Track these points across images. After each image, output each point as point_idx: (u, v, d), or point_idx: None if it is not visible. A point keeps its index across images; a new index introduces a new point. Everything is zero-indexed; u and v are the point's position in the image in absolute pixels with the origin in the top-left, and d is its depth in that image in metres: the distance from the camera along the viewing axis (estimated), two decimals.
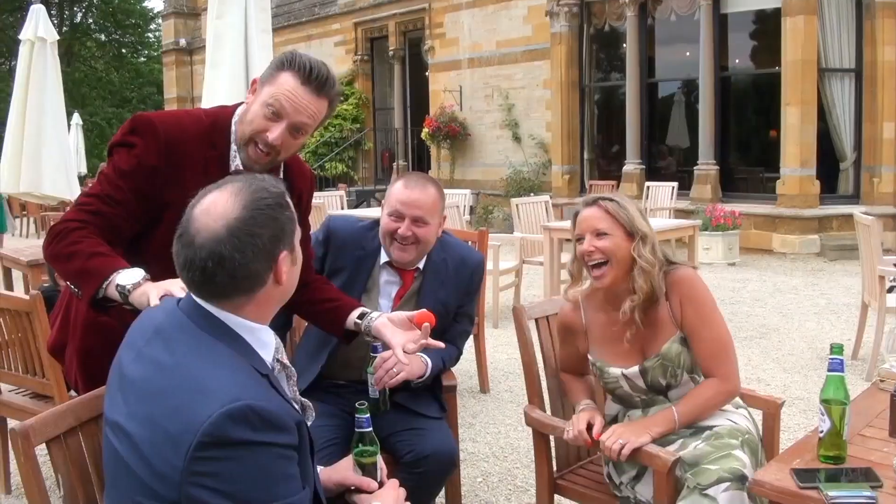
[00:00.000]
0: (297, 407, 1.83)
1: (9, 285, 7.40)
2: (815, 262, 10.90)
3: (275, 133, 2.40)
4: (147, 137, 2.40)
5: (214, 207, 1.68)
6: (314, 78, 2.41)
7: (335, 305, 2.78)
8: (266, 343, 1.80)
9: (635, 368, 2.73)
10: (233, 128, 2.50)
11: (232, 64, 5.45)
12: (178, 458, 1.53)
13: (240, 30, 5.51)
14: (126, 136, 2.44)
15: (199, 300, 1.74)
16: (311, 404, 2.03)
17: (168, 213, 2.33)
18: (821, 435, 2.13)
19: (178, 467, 1.53)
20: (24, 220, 17.61)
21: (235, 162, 2.50)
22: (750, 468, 2.44)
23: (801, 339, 6.90)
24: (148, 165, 2.39)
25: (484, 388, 5.68)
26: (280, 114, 2.39)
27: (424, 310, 2.67)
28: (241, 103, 2.56)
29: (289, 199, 1.80)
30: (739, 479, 2.39)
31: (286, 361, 1.93)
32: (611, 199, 2.73)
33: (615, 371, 2.77)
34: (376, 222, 3.12)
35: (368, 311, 2.74)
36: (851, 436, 2.24)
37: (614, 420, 2.87)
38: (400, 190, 2.98)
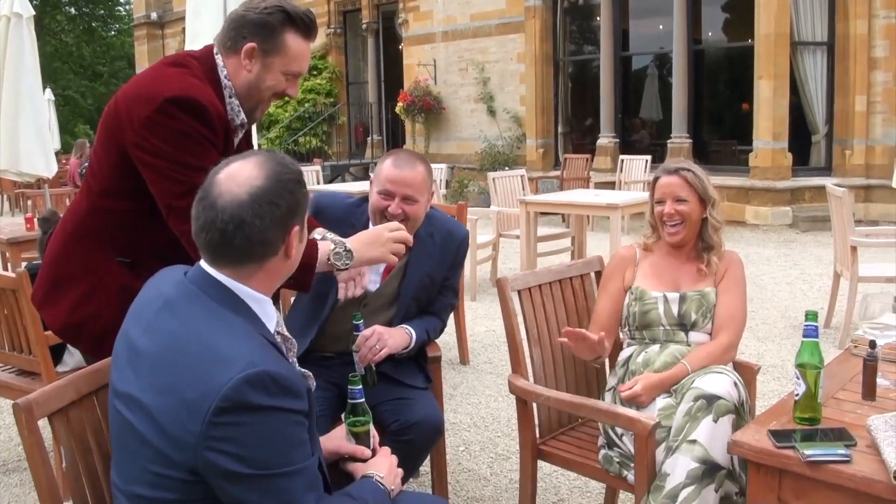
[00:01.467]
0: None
1: None
2: (788, 234, 11.05)
3: (294, 88, 2.54)
4: (203, 115, 2.34)
5: (239, 174, 1.74)
6: (314, 30, 2.49)
7: None
8: (270, 315, 1.86)
9: (676, 294, 3.09)
10: (224, 81, 2.47)
11: (212, 35, 5.46)
12: (195, 424, 1.58)
13: (218, 2, 5.52)
14: (189, 124, 2.32)
15: (209, 269, 1.78)
16: (310, 374, 2.09)
17: None
18: (796, 398, 2.20)
19: (194, 432, 1.58)
20: None
21: (240, 117, 2.52)
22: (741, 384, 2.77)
23: (774, 309, 7.02)
24: (216, 144, 2.39)
25: (464, 359, 5.77)
26: (300, 74, 2.51)
27: None
28: (215, 53, 2.49)
29: (303, 179, 1.86)
30: (717, 372, 2.78)
31: (286, 333, 1.98)
32: (688, 170, 3.15)
33: (656, 294, 3.10)
34: (364, 198, 3.17)
35: (326, 234, 2.71)
36: (826, 399, 2.33)
37: (628, 360, 3.08)
38: (389, 168, 3.02)
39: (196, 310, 1.73)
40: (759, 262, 9.11)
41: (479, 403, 4.98)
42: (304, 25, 2.45)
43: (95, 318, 2.56)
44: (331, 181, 15.94)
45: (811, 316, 2.23)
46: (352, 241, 2.52)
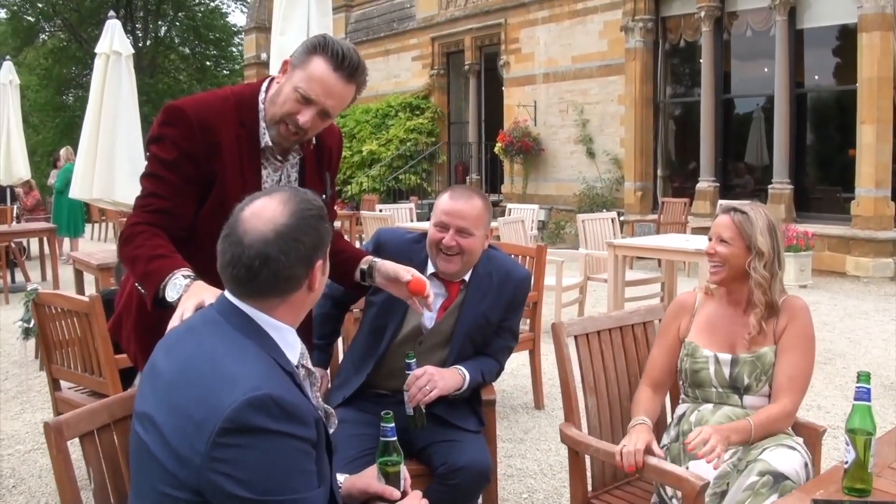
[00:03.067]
0: (319, 413, 1.88)
1: (80, 287, 7.67)
2: (889, 287, 10.55)
3: (305, 117, 2.49)
4: (181, 126, 2.48)
5: (263, 212, 1.79)
6: (346, 65, 2.48)
7: (345, 258, 2.85)
8: (291, 344, 1.88)
9: (728, 356, 2.90)
10: (260, 105, 2.57)
11: None
12: (200, 443, 1.60)
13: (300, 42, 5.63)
14: (162, 128, 2.51)
15: (232, 299, 1.82)
16: (333, 412, 2.08)
17: (213, 189, 2.51)
18: (845, 466, 2.08)
19: (200, 452, 1.60)
20: (103, 224, 18.13)
21: (265, 139, 2.58)
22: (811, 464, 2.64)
23: (866, 366, 6.63)
24: (188, 152, 2.48)
25: (538, 404, 5.66)
26: (310, 99, 2.47)
27: (420, 277, 2.76)
28: (267, 79, 2.63)
29: (326, 213, 1.90)
30: (789, 447, 2.62)
31: (311, 367, 2.00)
32: (742, 212, 2.91)
33: (707, 353, 2.94)
34: (423, 235, 3.18)
35: (374, 261, 2.83)
36: (882, 468, 2.20)
37: (681, 419, 2.96)
38: (445, 201, 3.04)
39: (214, 335, 1.78)
40: (856, 315, 8.73)
41: (548, 450, 4.87)
42: (335, 55, 2.46)
43: (121, 324, 2.77)
44: (428, 218, 15.98)
45: (864, 378, 2.10)
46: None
